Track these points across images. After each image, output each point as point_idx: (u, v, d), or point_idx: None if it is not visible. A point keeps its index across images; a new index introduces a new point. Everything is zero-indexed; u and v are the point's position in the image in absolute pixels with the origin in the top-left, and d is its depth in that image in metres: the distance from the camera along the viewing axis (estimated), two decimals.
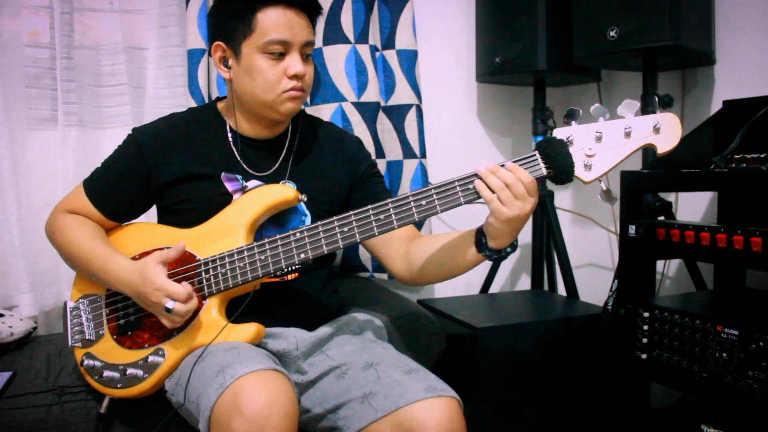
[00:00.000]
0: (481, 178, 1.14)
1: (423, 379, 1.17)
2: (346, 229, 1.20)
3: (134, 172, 1.35)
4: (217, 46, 1.34)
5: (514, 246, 1.22)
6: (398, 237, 1.39)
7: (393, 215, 1.18)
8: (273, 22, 1.27)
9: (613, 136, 1.12)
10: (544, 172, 1.14)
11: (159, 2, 1.93)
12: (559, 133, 1.14)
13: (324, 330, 1.36)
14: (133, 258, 1.34)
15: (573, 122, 1.14)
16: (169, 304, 1.18)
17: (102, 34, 1.95)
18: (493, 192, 1.13)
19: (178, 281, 1.26)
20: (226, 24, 1.30)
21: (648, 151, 1.86)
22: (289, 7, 1.28)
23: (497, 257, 1.23)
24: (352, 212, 1.20)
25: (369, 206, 1.19)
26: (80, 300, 1.38)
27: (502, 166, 1.14)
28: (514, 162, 1.15)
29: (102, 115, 1.94)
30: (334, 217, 1.20)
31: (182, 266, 1.29)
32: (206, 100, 1.89)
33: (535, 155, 1.15)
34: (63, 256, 1.39)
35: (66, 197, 1.42)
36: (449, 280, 1.34)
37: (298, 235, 1.22)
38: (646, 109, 1.81)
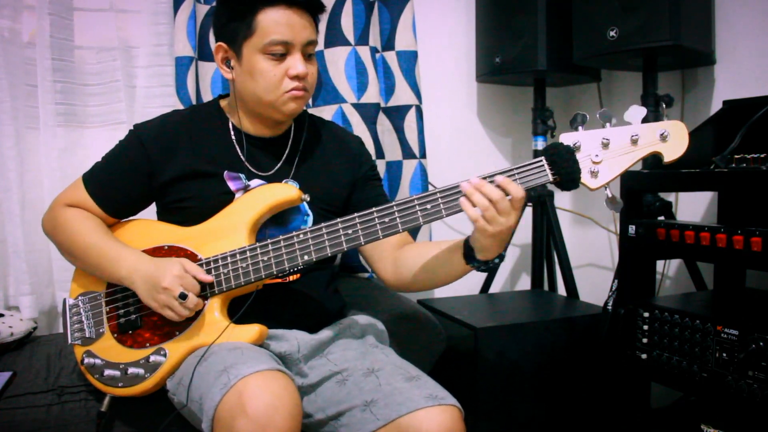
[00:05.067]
0: (465, 195, 1.12)
1: (424, 386, 1.17)
2: (350, 231, 1.19)
3: (136, 168, 1.35)
4: (218, 47, 1.33)
5: (501, 257, 1.21)
6: (390, 243, 1.38)
7: (398, 219, 1.16)
8: (273, 23, 1.26)
9: (620, 143, 1.11)
10: (551, 178, 1.12)
11: (151, 2, 1.93)
12: (565, 138, 1.13)
13: (325, 333, 1.36)
14: None
15: (580, 128, 1.13)
16: (184, 290, 1.19)
17: (93, 33, 1.94)
18: (476, 206, 1.10)
19: None
20: (227, 25, 1.30)
21: None
22: (290, 7, 1.27)
23: (485, 269, 1.23)
24: (356, 214, 1.19)
25: (374, 209, 1.18)
26: (79, 297, 1.37)
27: (491, 180, 1.11)
28: (519, 168, 1.13)
29: (93, 114, 1.94)
30: (338, 219, 1.20)
31: None
32: None
33: (541, 161, 1.13)
34: (64, 252, 1.37)
35: (65, 191, 1.40)
36: (439, 287, 1.33)
37: (301, 236, 1.21)
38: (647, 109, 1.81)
